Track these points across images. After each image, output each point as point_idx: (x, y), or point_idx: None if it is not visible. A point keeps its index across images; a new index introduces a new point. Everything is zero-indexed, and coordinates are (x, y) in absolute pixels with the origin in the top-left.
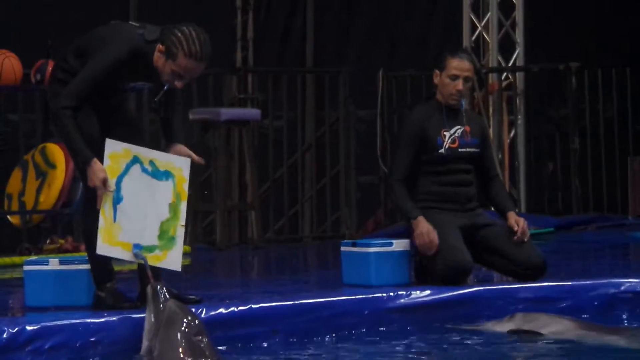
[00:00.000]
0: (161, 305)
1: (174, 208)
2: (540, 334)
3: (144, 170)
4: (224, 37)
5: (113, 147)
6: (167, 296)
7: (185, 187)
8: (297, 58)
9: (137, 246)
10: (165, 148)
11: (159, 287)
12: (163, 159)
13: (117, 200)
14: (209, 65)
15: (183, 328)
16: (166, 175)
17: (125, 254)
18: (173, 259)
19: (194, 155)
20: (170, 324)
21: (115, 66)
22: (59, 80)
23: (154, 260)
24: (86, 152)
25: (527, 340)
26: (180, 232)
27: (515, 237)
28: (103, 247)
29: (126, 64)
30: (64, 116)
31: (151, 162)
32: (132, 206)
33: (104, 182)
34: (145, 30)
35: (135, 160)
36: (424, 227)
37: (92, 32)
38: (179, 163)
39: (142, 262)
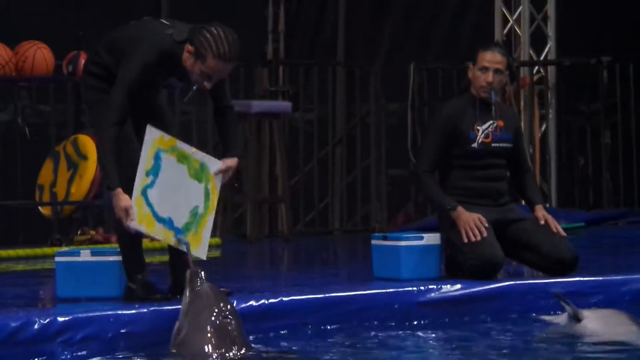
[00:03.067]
0: (197, 288)
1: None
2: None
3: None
4: (256, 29)
5: (152, 136)
6: (204, 280)
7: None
8: (329, 51)
9: (178, 231)
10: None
11: (198, 271)
12: (199, 157)
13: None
14: (240, 59)
15: (213, 310)
16: (202, 167)
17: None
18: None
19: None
20: (201, 306)
21: (145, 69)
22: (92, 74)
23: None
24: (114, 179)
25: (563, 340)
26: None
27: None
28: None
29: (156, 65)
30: (107, 136)
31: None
32: (167, 197)
33: (127, 211)
34: (174, 30)
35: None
36: (467, 214)
37: (124, 28)
38: (211, 164)
39: (185, 248)
